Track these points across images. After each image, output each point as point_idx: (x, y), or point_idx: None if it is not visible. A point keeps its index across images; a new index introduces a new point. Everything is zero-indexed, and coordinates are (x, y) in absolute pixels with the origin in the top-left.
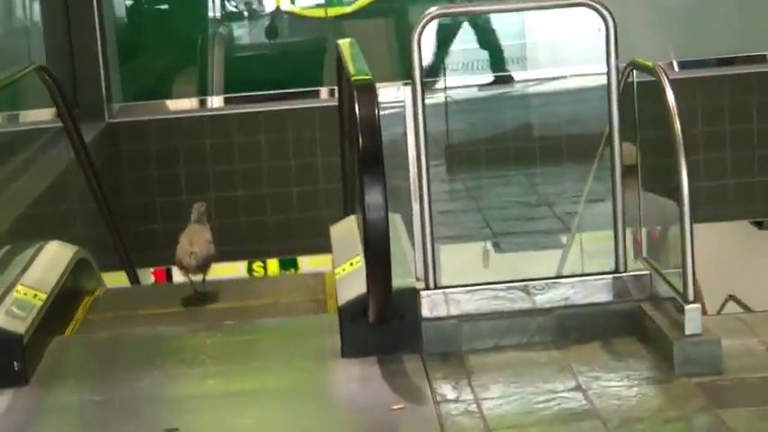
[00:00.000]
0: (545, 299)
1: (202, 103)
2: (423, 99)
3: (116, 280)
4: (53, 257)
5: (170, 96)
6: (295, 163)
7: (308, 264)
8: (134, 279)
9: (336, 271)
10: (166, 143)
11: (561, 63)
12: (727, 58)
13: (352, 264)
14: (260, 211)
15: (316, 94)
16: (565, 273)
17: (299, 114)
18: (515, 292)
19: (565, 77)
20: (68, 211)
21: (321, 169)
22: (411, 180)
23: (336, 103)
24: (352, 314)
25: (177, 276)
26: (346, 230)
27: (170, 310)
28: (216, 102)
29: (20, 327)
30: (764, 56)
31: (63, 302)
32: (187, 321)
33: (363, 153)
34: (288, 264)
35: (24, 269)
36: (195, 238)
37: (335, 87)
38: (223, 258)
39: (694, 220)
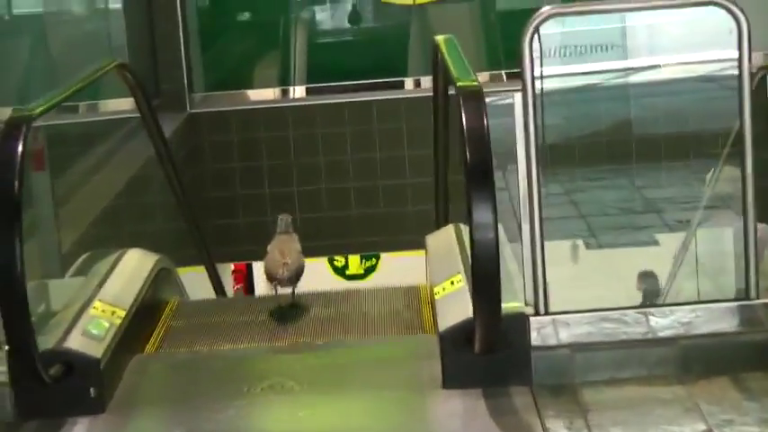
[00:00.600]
0: (665, 326)
1: (284, 93)
2: (535, 107)
3: (190, 268)
4: (133, 269)
5: (252, 86)
6: (381, 156)
7: (389, 258)
8: (213, 274)
9: (436, 290)
10: (248, 134)
11: (663, 51)
12: None
13: (453, 283)
14: (344, 206)
15: (400, 85)
16: (679, 295)
17: (384, 105)
18: (633, 319)
19: (664, 66)
20: (149, 204)
21: (408, 162)
22: (521, 197)
23: (423, 95)
24: (454, 341)
25: (258, 272)
26: (445, 243)
27: (255, 323)
28: (298, 92)
29: (97, 350)
30: None
31: (142, 317)
32: (273, 339)
33: (471, 168)
34: (369, 259)
35: (102, 282)
36: (286, 249)
37: (420, 78)
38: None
39: None
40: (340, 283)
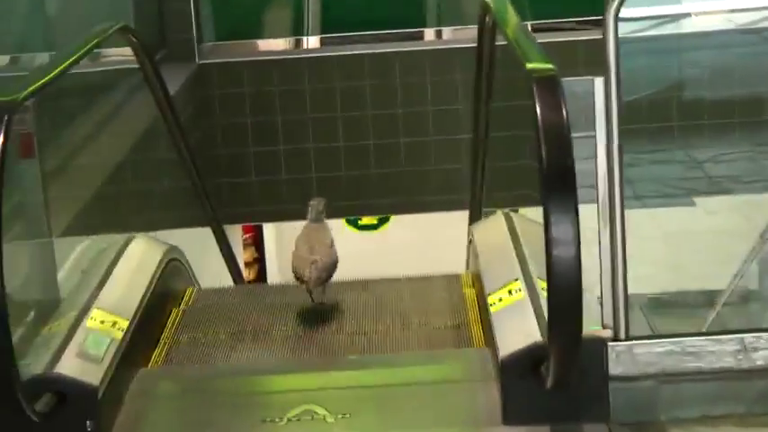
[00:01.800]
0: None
1: (298, 43)
2: (621, 97)
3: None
4: (138, 264)
5: (263, 35)
6: (403, 111)
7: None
8: (221, 239)
9: (491, 300)
10: (261, 87)
11: None
12: None
13: (510, 292)
14: (363, 164)
15: (420, 36)
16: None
17: (407, 58)
18: (729, 347)
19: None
20: (156, 161)
21: (432, 119)
22: (599, 202)
23: (448, 47)
24: (518, 370)
25: (270, 235)
26: (495, 238)
27: (279, 325)
28: (312, 42)
29: (94, 375)
30: None
31: (148, 324)
32: (299, 347)
33: (549, 173)
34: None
35: (102, 283)
36: (316, 243)
37: (442, 29)
38: None
39: None
40: (354, 236)
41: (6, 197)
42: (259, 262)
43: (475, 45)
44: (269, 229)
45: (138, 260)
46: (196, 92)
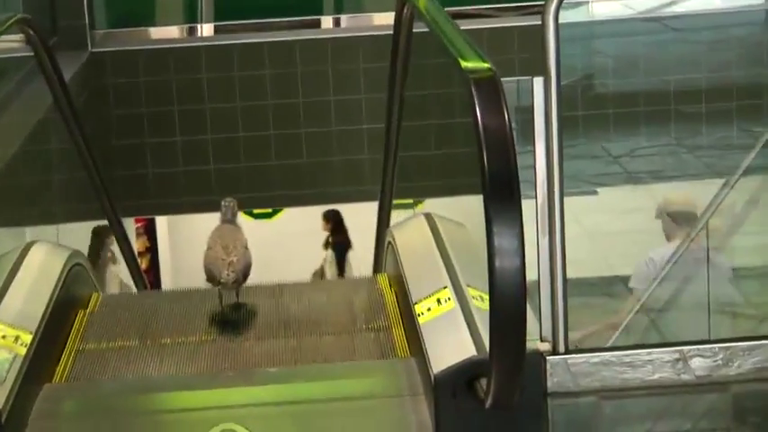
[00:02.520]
0: (711, 368)
1: (192, 31)
2: (560, 98)
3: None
4: (39, 273)
5: (158, 22)
6: (304, 101)
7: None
8: (120, 231)
9: (418, 310)
10: (157, 76)
11: None
12: None
13: (439, 301)
14: (263, 156)
15: (316, 23)
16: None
17: (307, 46)
18: (672, 359)
19: None
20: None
21: (334, 109)
22: (538, 206)
23: (349, 35)
24: (453, 387)
25: (162, 229)
26: (419, 242)
27: (192, 334)
28: (206, 29)
29: None
30: None
31: (53, 335)
32: (217, 357)
33: (493, 182)
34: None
35: (1, 294)
36: (231, 243)
37: (340, 17)
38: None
39: None
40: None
41: None
42: (151, 251)
43: (376, 33)
44: (161, 219)
45: (40, 267)
46: (89, 81)
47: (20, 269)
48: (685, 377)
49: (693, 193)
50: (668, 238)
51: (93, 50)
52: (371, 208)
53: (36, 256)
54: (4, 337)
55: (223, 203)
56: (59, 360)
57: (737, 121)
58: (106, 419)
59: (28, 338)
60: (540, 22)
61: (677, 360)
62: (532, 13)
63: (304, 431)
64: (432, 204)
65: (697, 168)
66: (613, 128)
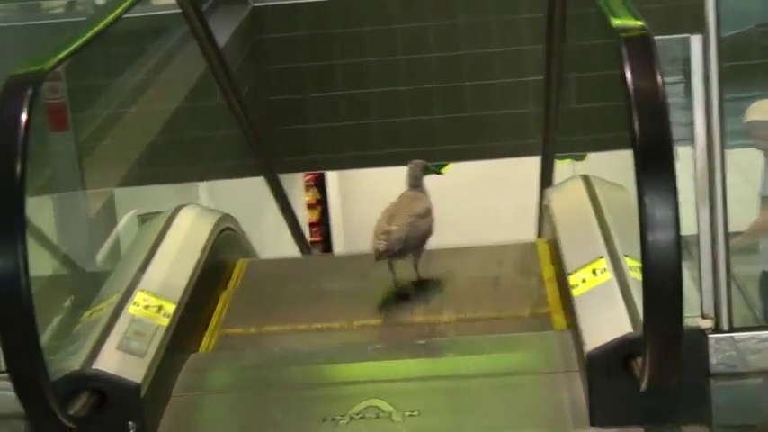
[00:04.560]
0: None
1: None
2: (721, 55)
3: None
4: (186, 237)
5: None
6: (466, 53)
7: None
8: (277, 189)
9: (572, 281)
10: (319, 29)
11: None
12: None
13: (595, 272)
14: (426, 110)
15: None
16: None
17: None
18: None
19: None
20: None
21: (497, 61)
22: (697, 178)
23: None
24: (608, 366)
25: (332, 182)
26: (575, 207)
27: (339, 300)
28: None
29: (137, 371)
30: None
31: (198, 304)
32: (362, 327)
33: (644, 150)
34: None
35: (147, 261)
36: (399, 213)
37: None
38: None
39: None
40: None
41: (37, 177)
42: (322, 204)
43: None
44: (331, 172)
45: (187, 232)
46: (250, 37)
47: (166, 235)
48: None
49: None
50: None
51: (255, 5)
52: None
53: (184, 220)
54: (146, 307)
55: (408, 166)
56: (206, 331)
57: None
58: (250, 392)
59: (171, 309)
60: None
61: None
62: None
63: (449, 409)
64: (595, 158)
65: None
66: None
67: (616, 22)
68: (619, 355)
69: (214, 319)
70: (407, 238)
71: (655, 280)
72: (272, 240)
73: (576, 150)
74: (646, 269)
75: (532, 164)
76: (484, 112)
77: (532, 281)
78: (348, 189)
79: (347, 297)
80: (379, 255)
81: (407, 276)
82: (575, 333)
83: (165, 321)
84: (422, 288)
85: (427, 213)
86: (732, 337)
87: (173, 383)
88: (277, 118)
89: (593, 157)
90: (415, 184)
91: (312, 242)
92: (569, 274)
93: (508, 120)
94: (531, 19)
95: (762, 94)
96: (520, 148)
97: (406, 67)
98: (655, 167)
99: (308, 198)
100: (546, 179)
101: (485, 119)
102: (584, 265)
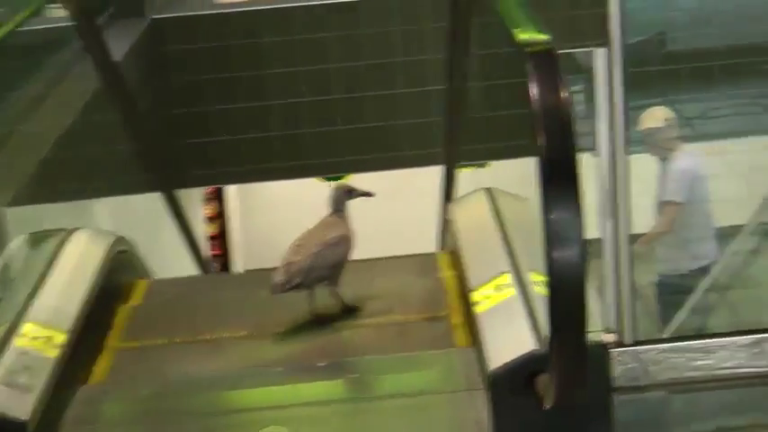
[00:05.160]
0: None
1: None
2: (626, 69)
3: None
4: (78, 263)
5: None
6: (367, 64)
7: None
8: (174, 206)
9: (476, 297)
10: (219, 42)
11: None
12: None
13: (499, 288)
14: (328, 121)
15: None
16: None
17: (371, 6)
18: (747, 349)
19: None
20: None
21: (400, 71)
22: (602, 192)
23: None
24: (512, 384)
25: (231, 195)
26: (478, 220)
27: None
28: None
29: (24, 406)
30: None
31: (90, 331)
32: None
33: (550, 163)
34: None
35: (36, 289)
36: (307, 242)
37: None
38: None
39: None
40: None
41: None
42: (221, 217)
43: None
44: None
45: (78, 258)
46: (150, 49)
47: (57, 261)
48: (762, 363)
49: None
50: (673, 148)
51: (154, 17)
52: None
53: (75, 245)
54: (34, 338)
55: (331, 190)
56: (98, 359)
57: None
58: (145, 423)
59: (61, 339)
60: None
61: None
62: None
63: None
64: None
65: None
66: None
67: (521, 36)
68: (523, 372)
69: (109, 345)
70: (311, 269)
71: (559, 295)
72: (171, 259)
73: (478, 159)
74: (550, 284)
75: (435, 173)
76: (386, 123)
77: (435, 300)
78: (248, 201)
79: (250, 319)
80: (276, 288)
81: (329, 304)
82: (478, 350)
83: (55, 353)
84: (347, 315)
85: (341, 241)
86: (635, 350)
87: (63, 418)
88: (180, 132)
89: (495, 163)
90: (337, 208)
91: (213, 255)
92: (473, 290)
93: (410, 130)
94: (433, 29)
95: (654, 102)
96: (422, 158)
97: (307, 78)
98: (560, 183)
99: (207, 211)
100: (448, 189)
101: (387, 129)
102: (488, 281)
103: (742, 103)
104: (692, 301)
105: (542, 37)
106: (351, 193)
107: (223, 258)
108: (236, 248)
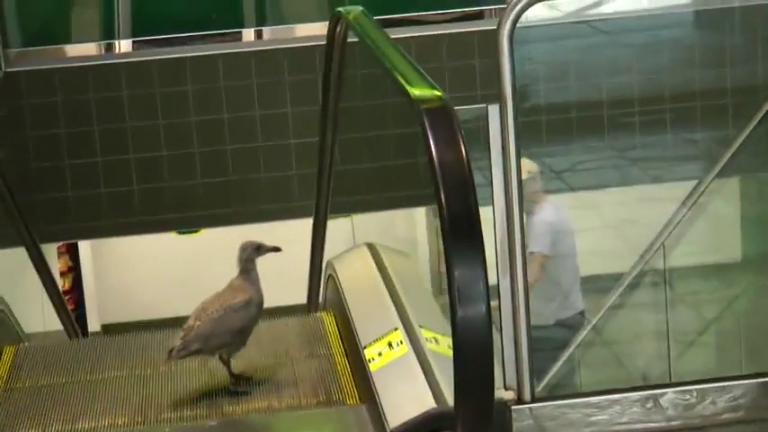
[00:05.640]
0: (692, 412)
1: (109, 47)
2: (517, 125)
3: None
4: None
5: (74, 40)
6: (229, 117)
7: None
8: (37, 258)
9: (368, 355)
10: (76, 95)
11: None
12: None
13: (391, 345)
14: (188, 175)
15: (238, 37)
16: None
17: (231, 60)
18: (649, 404)
19: None
20: None
21: (260, 124)
22: (497, 248)
23: (274, 47)
24: None
25: (86, 252)
26: (363, 277)
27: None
28: (124, 46)
29: None
30: None
31: None
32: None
33: (452, 221)
34: None
35: None
36: (210, 306)
37: (262, 29)
38: (146, 230)
39: None
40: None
41: None
42: (74, 271)
43: (299, 45)
44: (85, 248)
45: None
46: (4, 102)
47: None
48: (656, 417)
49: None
50: (537, 200)
51: (8, 70)
52: (302, 225)
53: None
54: None
55: (239, 249)
56: None
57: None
58: None
59: None
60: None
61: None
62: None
63: None
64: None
65: (642, 180)
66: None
67: (414, 92)
68: (423, 430)
69: None
70: (212, 335)
71: (466, 354)
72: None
73: (351, 210)
74: (456, 343)
75: (301, 226)
76: (248, 176)
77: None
78: (101, 255)
79: (134, 388)
80: (172, 354)
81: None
82: (373, 408)
83: None
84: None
85: (245, 306)
86: (534, 408)
87: None
88: (36, 185)
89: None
90: (246, 268)
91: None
92: (365, 347)
93: (272, 182)
94: (295, 81)
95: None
96: (285, 211)
97: (167, 131)
98: (464, 241)
99: (60, 265)
100: (318, 240)
101: (249, 182)
102: (380, 338)
103: (609, 156)
104: (566, 353)
105: (436, 93)
106: (259, 249)
107: (76, 312)
108: (90, 302)
